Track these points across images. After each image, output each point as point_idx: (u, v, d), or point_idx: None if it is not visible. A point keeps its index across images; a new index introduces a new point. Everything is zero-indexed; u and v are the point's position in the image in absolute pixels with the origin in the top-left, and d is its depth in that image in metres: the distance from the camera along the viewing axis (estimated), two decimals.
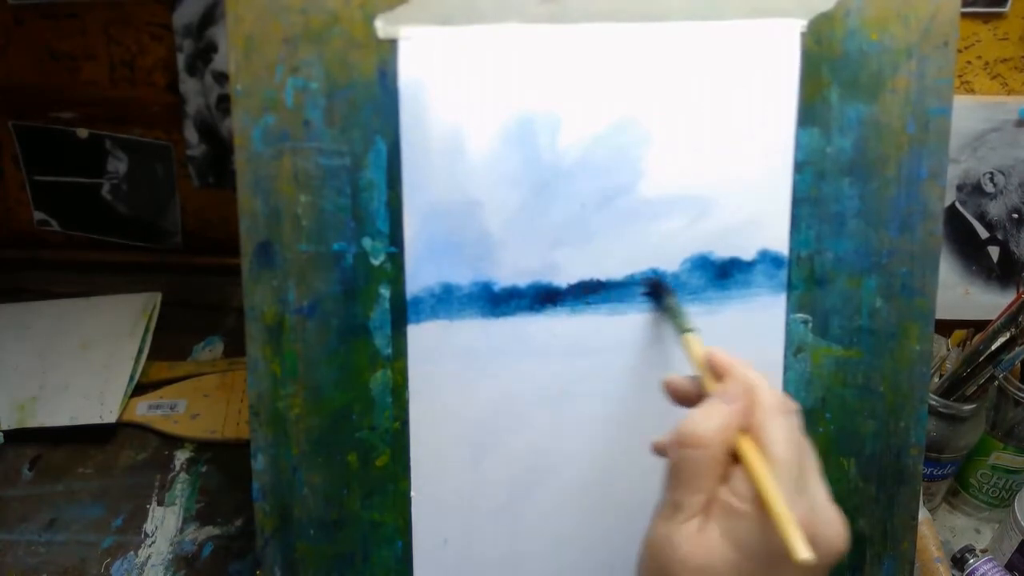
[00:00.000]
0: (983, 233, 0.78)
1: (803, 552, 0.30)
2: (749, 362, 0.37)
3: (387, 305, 0.46)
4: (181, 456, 0.67)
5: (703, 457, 0.33)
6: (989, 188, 0.76)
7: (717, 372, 0.37)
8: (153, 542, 0.60)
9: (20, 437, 0.67)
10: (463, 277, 0.46)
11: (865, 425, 0.48)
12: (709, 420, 0.34)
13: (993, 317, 0.63)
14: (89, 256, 0.87)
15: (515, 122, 0.45)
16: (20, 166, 0.84)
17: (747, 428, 0.34)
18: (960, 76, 0.74)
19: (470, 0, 0.44)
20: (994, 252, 0.78)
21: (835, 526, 0.33)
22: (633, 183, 0.46)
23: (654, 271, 0.46)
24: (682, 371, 0.40)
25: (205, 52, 0.77)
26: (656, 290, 0.46)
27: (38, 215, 0.87)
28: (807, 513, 0.32)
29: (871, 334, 0.47)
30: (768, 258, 0.46)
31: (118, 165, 0.84)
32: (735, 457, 0.34)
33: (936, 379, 0.66)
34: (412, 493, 0.47)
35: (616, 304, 0.46)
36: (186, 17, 0.76)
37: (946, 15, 0.45)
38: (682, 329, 0.42)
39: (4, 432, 0.66)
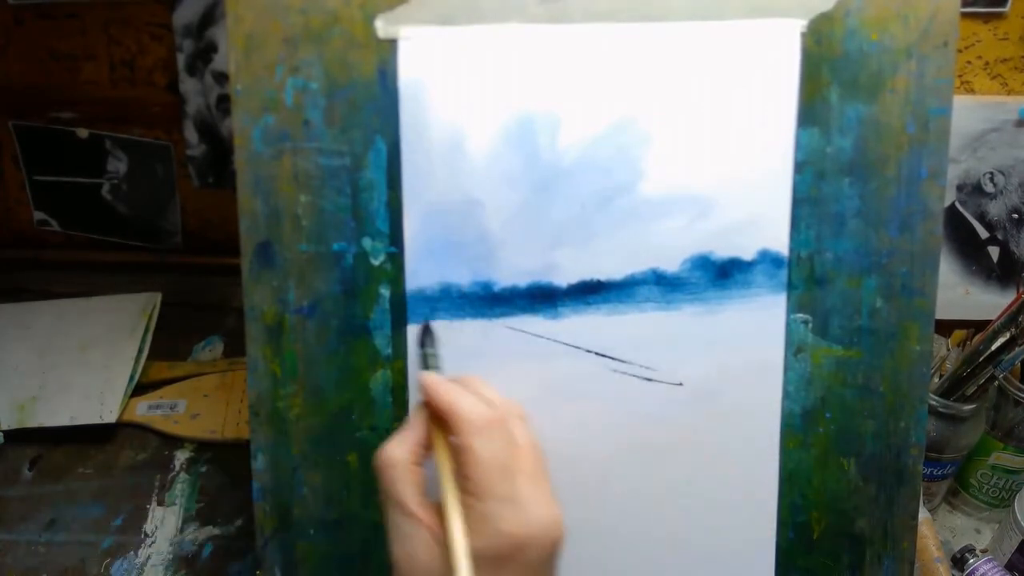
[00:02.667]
0: (983, 233, 0.78)
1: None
2: (454, 382, 0.41)
3: (387, 305, 0.46)
4: (181, 456, 0.67)
5: (393, 474, 0.38)
6: (989, 188, 0.76)
7: (425, 397, 0.41)
8: (153, 542, 0.60)
9: (20, 437, 0.67)
10: (463, 277, 0.46)
11: (865, 425, 0.48)
12: (393, 443, 0.39)
13: (993, 317, 0.63)
14: (89, 256, 0.87)
15: (515, 122, 0.45)
16: (20, 166, 0.84)
17: (455, 451, 0.38)
18: (960, 76, 0.74)
19: (470, 0, 0.44)
20: (994, 252, 0.78)
21: (545, 527, 0.36)
22: (633, 183, 0.46)
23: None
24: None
25: (205, 52, 0.77)
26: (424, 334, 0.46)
27: (38, 215, 0.87)
28: (515, 522, 0.36)
29: (871, 334, 0.47)
30: (768, 258, 0.46)
31: (118, 165, 0.84)
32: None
33: (936, 379, 0.66)
34: None
35: (616, 304, 0.46)
36: (186, 17, 0.76)
37: (946, 15, 0.45)
38: (424, 367, 0.44)
39: (4, 432, 0.66)
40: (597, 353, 0.46)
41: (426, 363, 0.44)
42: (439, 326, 0.46)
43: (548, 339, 0.46)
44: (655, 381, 0.47)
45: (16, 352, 0.73)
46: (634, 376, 0.47)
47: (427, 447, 0.40)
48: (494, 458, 0.37)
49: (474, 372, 0.46)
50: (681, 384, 0.47)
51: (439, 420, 0.40)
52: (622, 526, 0.48)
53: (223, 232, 0.87)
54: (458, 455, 0.38)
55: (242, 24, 0.43)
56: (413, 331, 0.46)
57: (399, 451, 0.39)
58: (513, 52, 0.44)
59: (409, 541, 0.37)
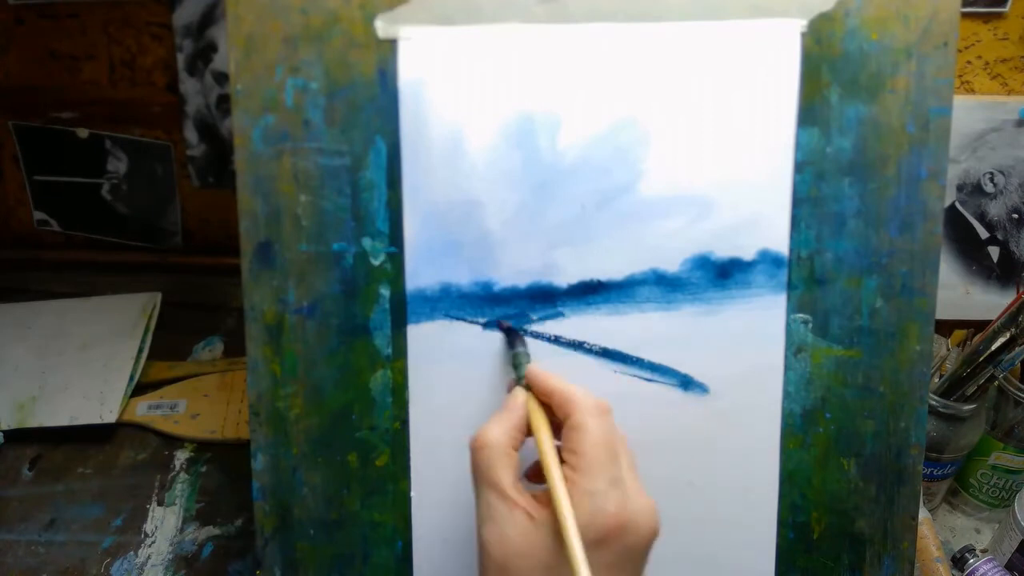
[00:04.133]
0: (983, 233, 0.78)
1: (582, 571, 0.34)
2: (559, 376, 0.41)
3: (387, 305, 0.46)
4: (181, 456, 0.67)
5: (489, 455, 0.38)
6: (989, 188, 0.76)
7: (533, 383, 0.42)
8: (153, 542, 0.60)
9: (20, 437, 0.67)
10: (463, 277, 0.46)
11: (865, 425, 0.48)
12: (490, 425, 0.40)
13: (993, 317, 0.63)
14: (89, 256, 0.87)
15: (515, 122, 0.45)
16: (20, 166, 0.84)
17: (567, 429, 0.39)
18: (960, 76, 0.74)
19: (470, 0, 0.44)
20: (994, 252, 0.78)
21: (646, 514, 0.37)
22: (633, 183, 0.46)
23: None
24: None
25: (205, 52, 0.77)
26: (508, 333, 0.46)
27: (38, 215, 0.87)
28: (620, 503, 0.36)
29: (871, 334, 0.47)
30: (768, 258, 0.46)
31: (118, 165, 0.84)
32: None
33: (936, 379, 0.66)
34: (412, 493, 0.47)
35: (616, 304, 0.46)
36: (186, 17, 0.76)
37: (946, 15, 0.45)
38: (516, 364, 0.44)
39: (4, 432, 0.66)
40: (597, 353, 0.46)
41: (519, 360, 0.44)
42: (438, 326, 0.46)
43: (548, 339, 0.46)
44: (655, 382, 0.47)
45: (16, 352, 0.73)
46: (634, 376, 0.47)
47: (523, 433, 0.40)
48: (605, 439, 0.38)
49: (474, 373, 0.46)
50: (681, 384, 0.47)
51: (543, 405, 0.41)
52: None
53: (223, 232, 0.87)
54: (569, 434, 0.38)
55: (242, 24, 0.43)
56: (419, 330, 0.46)
57: (496, 433, 0.39)
58: (513, 52, 0.44)
59: (503, 523, 0.37)
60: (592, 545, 0.35)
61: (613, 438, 0.38)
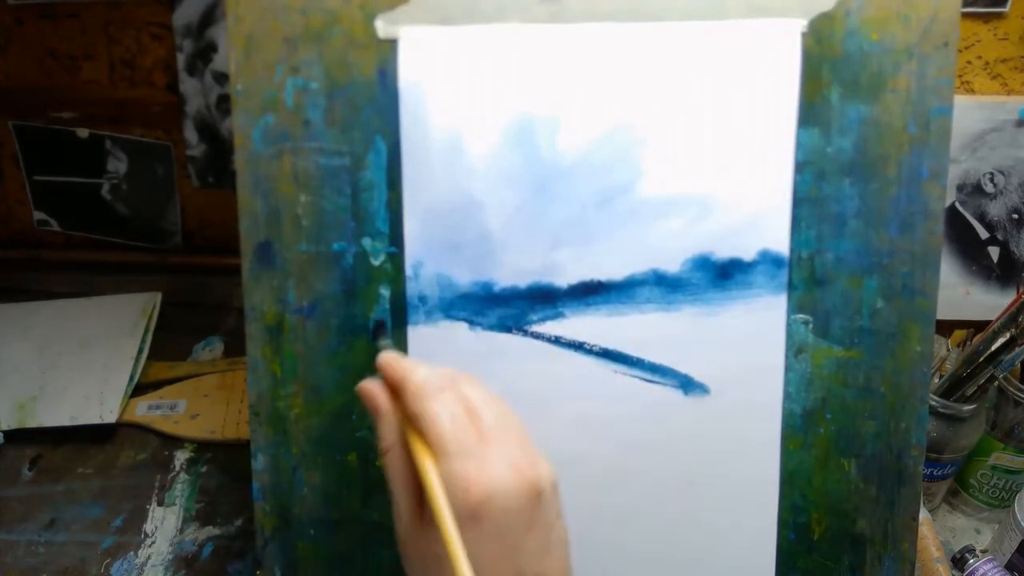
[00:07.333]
0: (983, 233, 0.78)
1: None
2: (407, 362, 0.39)
3: (387, 305, 0.46)
4: (181, 456, 0.67)
5: (391, 460, 0.38)
6: (989, 188, 0.76)
7: (388, 383, 0.40)
8: (153, 542, 0.60)
9: (20, 437, 0.67)
10: (463, 277, 0.46)
11: (866, 426, 0.48)
12: (382, 432, 0.38)
13: (993, 317, 0.63)
14: (89, 256, 0.87)
15: (515, 122, 0.45)
16: (20, 166, 0.84)
17: (411, 420, 0.37)
18: (960, 76, 0.74)
19: (470, 0, 0.44)
20: (994, 252, 0.78)
21: (509, 476, 0.35)
22: (633, 183, 0.46)
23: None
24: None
25: (205, 52, 0.77)
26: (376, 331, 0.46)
27: (38, 215, 0.87)
28: (474, 476, 0.35)
29: (872, 334, 0.47)
30: (769, 258, 0.46)
31: (118, 165, 0.84)
32: None
33: (936, 379, 0.66)
34: None
35: (616, 304, 0.46)
36: (186, 17, 0.76)
37: (946, 15, 0.45)
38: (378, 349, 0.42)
39: (4, 432, 0.66)
40: (597, 354, 0.46)
41: (378, 350, 0.42)
42: (438, 326, 0.46)
43: (548, 340, 0.46)
44: (656, 382, 0.47)
45: (16, 352, 0.73)
46: (634, 377, 0.47)
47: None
48: (447, 415, 0.36)
49: (473, 373, 0.46)
50: (682, 385, 0.47)
51: (395, 395, 0.39)
52: (622, 527, 0.48)
53: (223, 232, 0.87)
54: (416, 424, 0.37)
55: (242, 24, 0.43)
56: (419, 330, 0.46)
57: (388, 442, 0.38)
58: (513, 52, 0.44)
59: (400, 524, 0.38)
60: (467, 523, 0.34)
61: (455, 410, 0.36)
